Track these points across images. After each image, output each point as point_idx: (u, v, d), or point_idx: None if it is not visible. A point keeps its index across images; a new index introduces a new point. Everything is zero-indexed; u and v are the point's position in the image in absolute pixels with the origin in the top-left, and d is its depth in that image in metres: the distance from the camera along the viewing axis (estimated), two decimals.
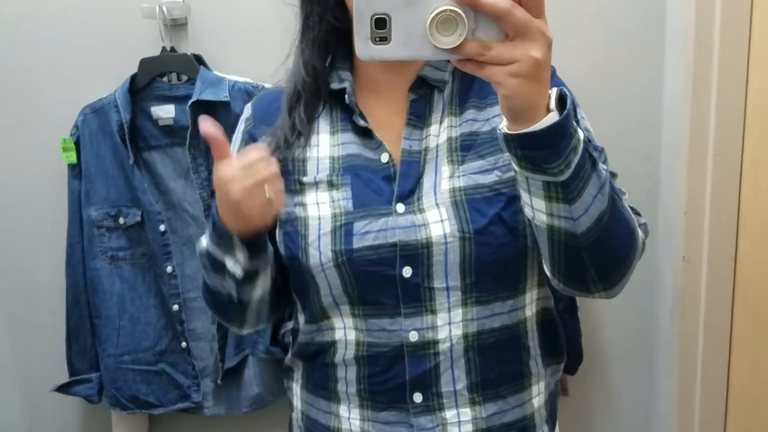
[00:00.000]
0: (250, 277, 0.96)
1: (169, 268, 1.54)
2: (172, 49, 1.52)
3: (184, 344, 1.57)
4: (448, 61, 0.72)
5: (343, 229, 0.94)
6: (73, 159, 1.56)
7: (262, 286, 0.99)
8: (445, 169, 0.95)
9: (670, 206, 1.61)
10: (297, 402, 1.08)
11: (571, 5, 1.53)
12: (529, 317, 0.99)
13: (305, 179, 0.98)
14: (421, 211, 0.93)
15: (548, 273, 0.89)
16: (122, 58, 1.53)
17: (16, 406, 1.76)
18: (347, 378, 0.98)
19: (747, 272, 1.52)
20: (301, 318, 1.05)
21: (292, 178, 0.99)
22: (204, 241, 0.97)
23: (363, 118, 0.98)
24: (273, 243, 1.01)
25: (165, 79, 1.53)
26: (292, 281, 1.03)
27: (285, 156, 0.99)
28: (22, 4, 1.57)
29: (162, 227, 1.53)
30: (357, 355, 0.97)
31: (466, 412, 0.95)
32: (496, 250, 0.92)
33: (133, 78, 1.51)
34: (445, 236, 0.92)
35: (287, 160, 0.99)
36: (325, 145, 1.00)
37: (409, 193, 0.95)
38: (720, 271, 1.54)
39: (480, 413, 0.95)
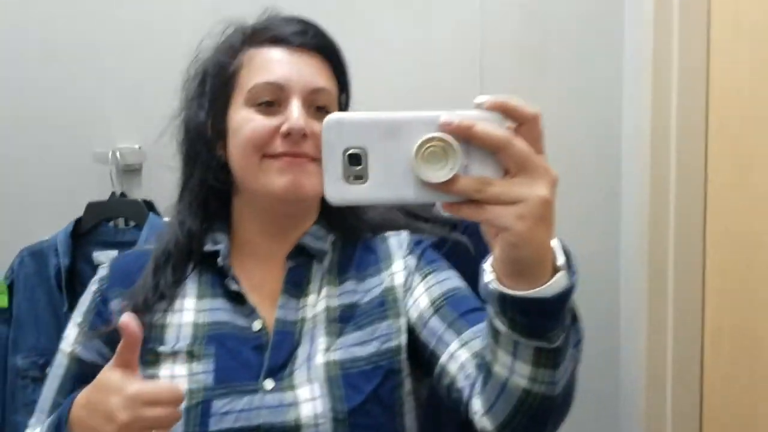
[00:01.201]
0: None
1: None
2: (123, 194, 1.49)
3: None
4: (342, 230, 0.60)
5: (199, 409, 0.83)
6: (4, 303, 1.48)
7: None
8: (321, 341, 0.89)
9: (631, 372, 1.56)
10: None
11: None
12: None
13: (161, 349, 0.89)
14: (292, 387, 0.86)
15: (489, 427, 0.76)
16: (70, 200, 1.49)
17: None
18: None
19: (712, 393, 1.45)
20: None
21: (147, 347, 0.88)
22: None
23: (236, 282, 0.92)
24: None
25: (111, 223, 1.49)
26: None
27: (142, 321, 0.86)
28: None
29: None
30: None
31: None
32: None
33: (78, 221, 1.47)
34: (316, 417, 0.83)
35: (146, 325, 0.88)
36: (190, 310, 0.92)
37: (281, 368, 0.87)
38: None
39: None
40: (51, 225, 1.47)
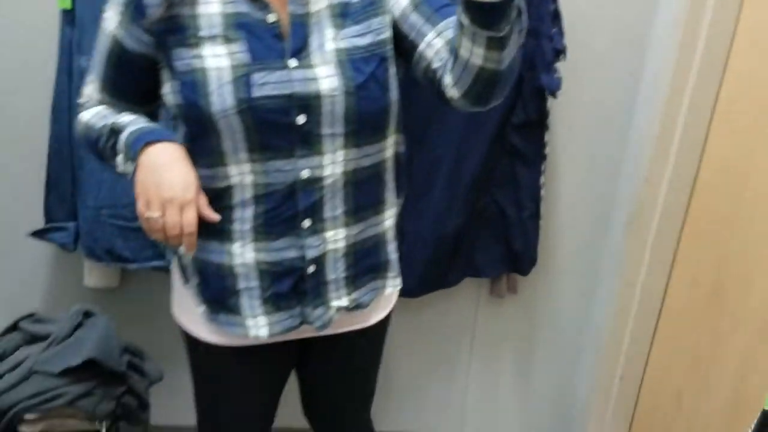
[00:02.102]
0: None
1: None
2: None
3: None
4: None
5: (242, 80, 1.02)
6: (68, 4, 1.52)
7: None
8: (329, 32, 1.06)
9: (641, 130, 1.71)
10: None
11: None
12: (388, 158, 1.17)
13: (201, 33, 1.03)
14: (311, 66, 1.05)
15: (455, 96, 1.02)
16: None
17: None
18: (243, 217, 1.10)
19: (702, 199, 1.64)
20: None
21: (188, 33, 1.03)
22: (126, 134, 1.05)
23: None
24: (151, 100, 1.12)
25: None
26: (186, 130, 1.08)
27: (177, 13, 1.03)
28: None
29: None
30: (255, 195, 1.08)
31: (341, 232, 1.14)
32: (371, 103, 1.08)
33: None
34: (333, 90, 1.05)
35: (181, 17, 1.03)
36: (215, 2, 1.04)
37: (299, 51, 1.05)
38: (677, 196, 1.66)
39: (351, 232, 1.15)
40: None
